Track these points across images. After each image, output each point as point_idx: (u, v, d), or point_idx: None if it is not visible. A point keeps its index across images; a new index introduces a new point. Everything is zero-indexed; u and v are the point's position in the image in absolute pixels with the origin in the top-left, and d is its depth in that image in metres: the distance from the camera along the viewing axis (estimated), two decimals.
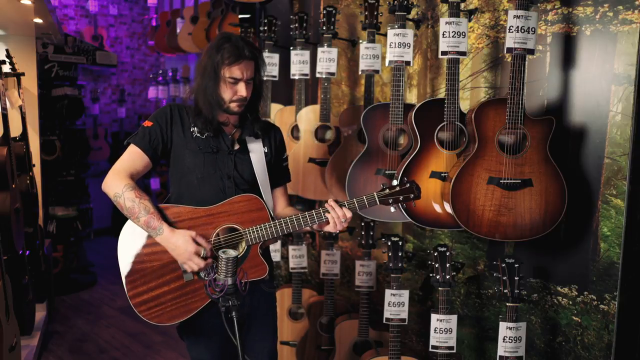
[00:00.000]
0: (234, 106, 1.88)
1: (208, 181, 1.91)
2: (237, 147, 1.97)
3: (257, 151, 1.99)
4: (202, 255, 1.77)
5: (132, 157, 1.87)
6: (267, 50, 3.05)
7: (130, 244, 1.85)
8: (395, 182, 1.90)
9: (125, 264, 1.84)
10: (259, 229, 1.83)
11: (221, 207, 1.86)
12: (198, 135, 1.92)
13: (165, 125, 1.91)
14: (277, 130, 2.11)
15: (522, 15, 2.03)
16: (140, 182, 2.10)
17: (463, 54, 2.19)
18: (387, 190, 1.88)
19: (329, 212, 1.84)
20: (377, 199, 1.87)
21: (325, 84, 2.82)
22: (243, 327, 1.98)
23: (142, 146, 1.87)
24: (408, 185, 1.89)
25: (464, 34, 2.18)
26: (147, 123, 1.91)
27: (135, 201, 1.78)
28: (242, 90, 1.86)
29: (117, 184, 1.80)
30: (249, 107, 1.95)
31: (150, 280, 1.83)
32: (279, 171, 2.09)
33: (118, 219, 1.91)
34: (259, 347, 2.02)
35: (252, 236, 1.83)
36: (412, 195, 1.88)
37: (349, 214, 1.84)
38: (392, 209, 1.94)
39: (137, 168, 1.87)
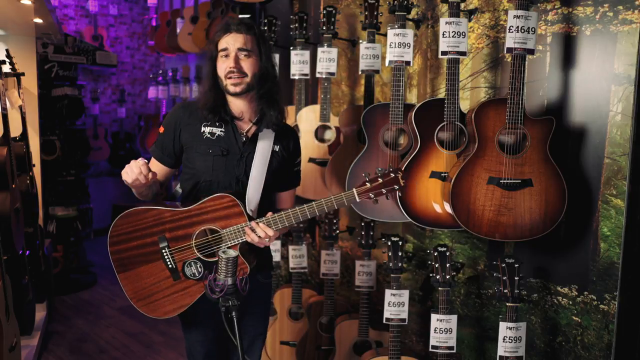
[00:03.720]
0: (229, 84, 1.87)
1: (216, 184, 1.92)
2: (248, 144, 1.94)
3: (264, 148, 1.95)
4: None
5: (153, 167, 1.97)
6: None
7: (120, 245, 1.88)
8: (379, 170, 1.82)
9: (118, 265, 1.88)
10: (235, 229, 1.82)
11: (198, 207, 1.84)
12: (208, 136, 1.92)
13: (173, 130, 1.96)
14: (294, 133, 2.10)
15: (522, 15, 2.03)
16: None
17: (463, 54, 2.19)
18: (367, 185, 1.81)
19: (248, 233, 1.80)
20: (356, 196, 1.80)
21: (325, 84, 2.82)
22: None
23: (158, 157, 2.01)
24: (392, 175, 1.80)
25: (464, 34, 2.18)
26: (160, 129, 1.99)
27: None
28: (230, 61, 1.84)
29: None
30: (262, 96, 1.91)
31: (143, 278, 1.87)
32: (289, 175, 2.09)
33: None
34: (251, 332, 2.10)
35: (230, 237, 1.83)
36: (396, 186, 1.81)
37: (270, 233, 1.77)
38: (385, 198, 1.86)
39: (160, 176, 2.01)
